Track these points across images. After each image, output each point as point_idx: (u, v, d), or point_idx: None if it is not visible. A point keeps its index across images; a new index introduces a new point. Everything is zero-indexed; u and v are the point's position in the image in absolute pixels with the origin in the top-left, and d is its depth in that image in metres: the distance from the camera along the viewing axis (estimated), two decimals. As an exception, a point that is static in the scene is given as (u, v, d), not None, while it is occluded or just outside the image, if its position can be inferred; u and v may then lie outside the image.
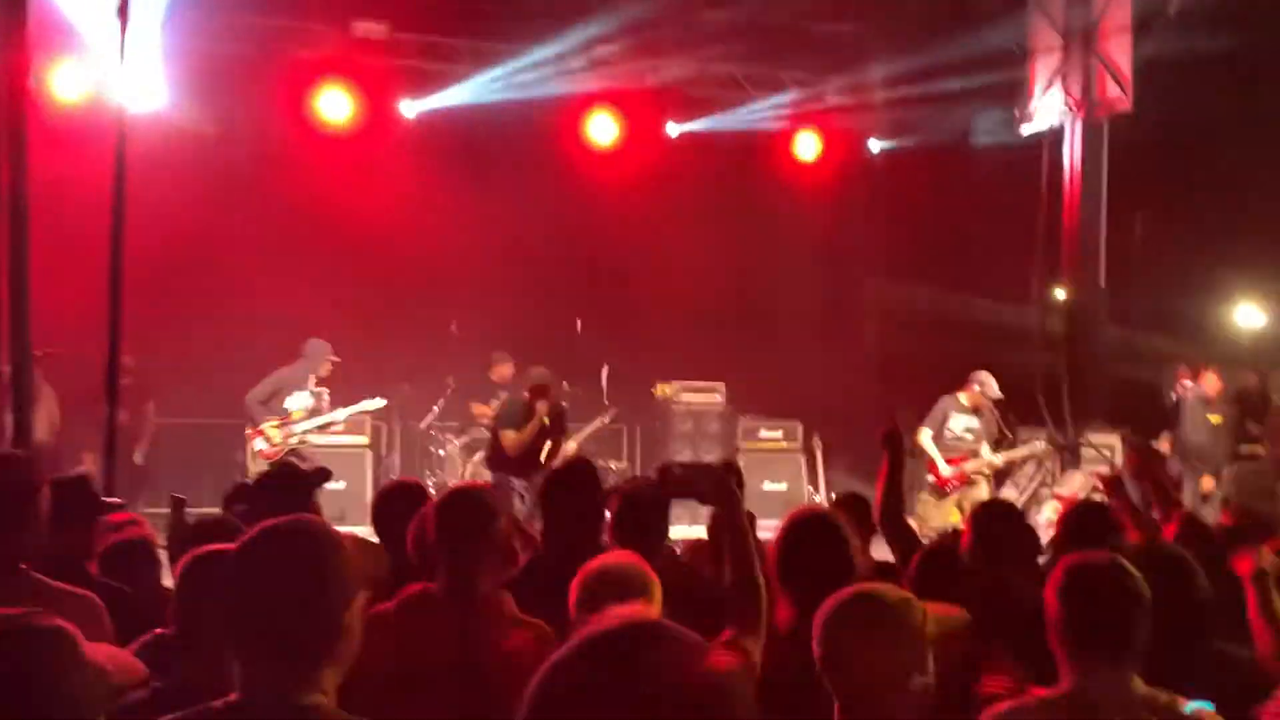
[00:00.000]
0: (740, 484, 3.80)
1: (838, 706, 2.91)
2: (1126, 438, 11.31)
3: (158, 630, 3.66)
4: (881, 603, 2.95)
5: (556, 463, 12.49)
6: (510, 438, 11.25)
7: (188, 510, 5.49)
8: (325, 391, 12.40)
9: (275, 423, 11.99)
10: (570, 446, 12.85)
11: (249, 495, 4.87)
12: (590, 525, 4.70)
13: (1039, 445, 12.91)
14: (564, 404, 12.01)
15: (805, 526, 3.97)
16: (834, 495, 5.83)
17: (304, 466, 6.32)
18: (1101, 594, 3.26)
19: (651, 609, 3.38)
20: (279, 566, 2.49)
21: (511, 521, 4.82)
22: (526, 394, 11.39)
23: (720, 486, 3.67)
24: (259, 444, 11.89)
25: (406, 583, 4.16)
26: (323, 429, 12.42)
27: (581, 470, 5.04)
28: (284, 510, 4.34)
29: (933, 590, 3.89)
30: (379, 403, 12.66)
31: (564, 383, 12.80)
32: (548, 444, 11.42)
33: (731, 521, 3.63)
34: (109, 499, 4.96)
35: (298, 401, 12.07)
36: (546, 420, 11.29)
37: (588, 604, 3.38)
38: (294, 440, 11.95)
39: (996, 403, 12.38)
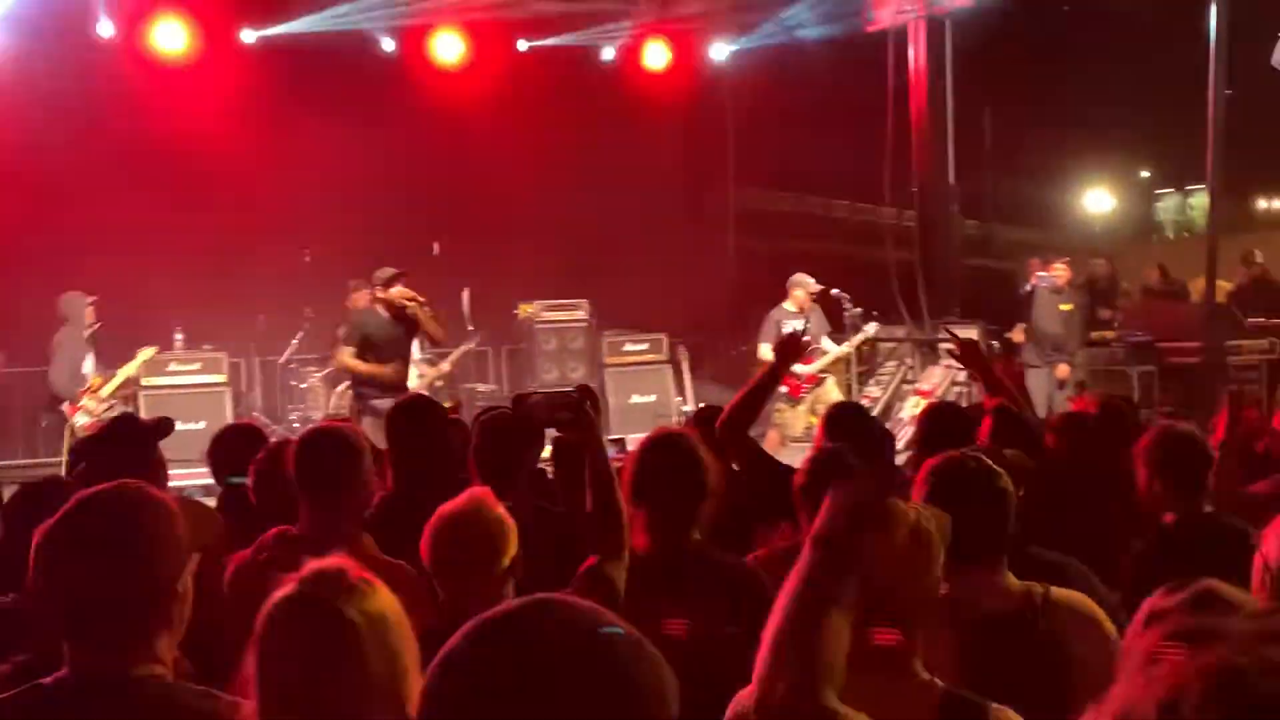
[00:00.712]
0: (596, 408, 3.77)
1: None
2: (944, 326, 11.56)
3: (-3, 599, 3.56)
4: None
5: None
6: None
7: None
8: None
9: (86, 393, 11.56)
10: (444, 368, 12.73)
11: (89, 451, 4.73)
12: (439, 460, 4.62)
13: (870, 328, 13.07)
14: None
15: (658, 448, 3.96)
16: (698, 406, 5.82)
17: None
18: (967, 496, 3.28)
19: (506, 550, 3.35)
20: (98, 536, 2.42)
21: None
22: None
23: (576, 413, 3.66)
24: (80, 419, 11.37)
25: (252, 528, 4.10)
26: (123, 386, 12.02)
27: (423, 404, 4.97)
28: (126, 464, 4.27)
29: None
30: (151, 350, 12.33)
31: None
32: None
33: (589, 448, 3.62)
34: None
35: (90, 367, 11.71)
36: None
37: (433, 557, 3.36)
38: (104, 408, 11.42)
39: (834, 302, 12.58)
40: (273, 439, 5.43)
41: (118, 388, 11.89)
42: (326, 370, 13.83)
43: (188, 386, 12.70)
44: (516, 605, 1.52)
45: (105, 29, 14.05)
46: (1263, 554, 2.90)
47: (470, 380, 14.58)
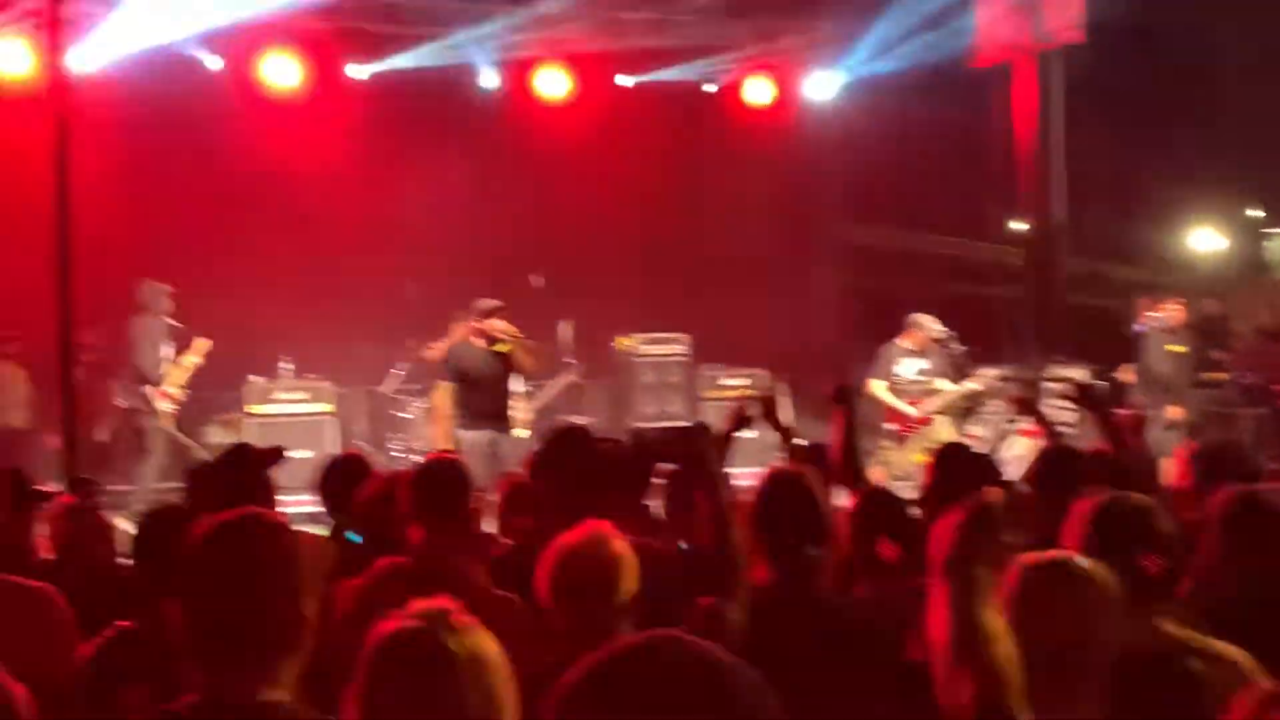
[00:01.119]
0: (714, 446, 3.73)
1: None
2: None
3: (121, 624, 3.58)
4: (1079, 570, 2.88)
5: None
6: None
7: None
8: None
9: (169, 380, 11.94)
10: (544, 400, 12.81)
11: (204, 478, 4.81)
12: (586, 496, 4.51)
13: (991, 373, 12.89)
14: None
15: (779, 486, 3.90)
16: (793, 444, 5.75)
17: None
18: (1120, 537, 3.20)
19: (624, 586, 3.32)
20: (231, 564, 2.43)
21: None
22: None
23: (692, 449, 3.63)
24: (165, 405, 11.89)
25: (360, 558, 4.11)
26: (190, 371, 12.30)
27: (575, 436, 4.87)
28: (239, 491, 4.31)
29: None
30: (206, 344, 12.37)
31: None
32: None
33: (708, 485, 3.58)
34: (43, 488, 4.87)
35: (170, 353, 12.08)
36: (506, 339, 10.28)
37: (552, 590, 3.33)
38: (174, 390, 11.99)
39: (947, 339, 12.37)
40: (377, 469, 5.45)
41: (186, 379, 12.21)
42: (428, 401, 13.94)
43: (293, 415, 12.84)
44: (635, 643, 1.51)
45: (214, 63, 14.29)
46: None
47: (568, 413, 14.58)
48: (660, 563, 4.18)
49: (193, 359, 12.20)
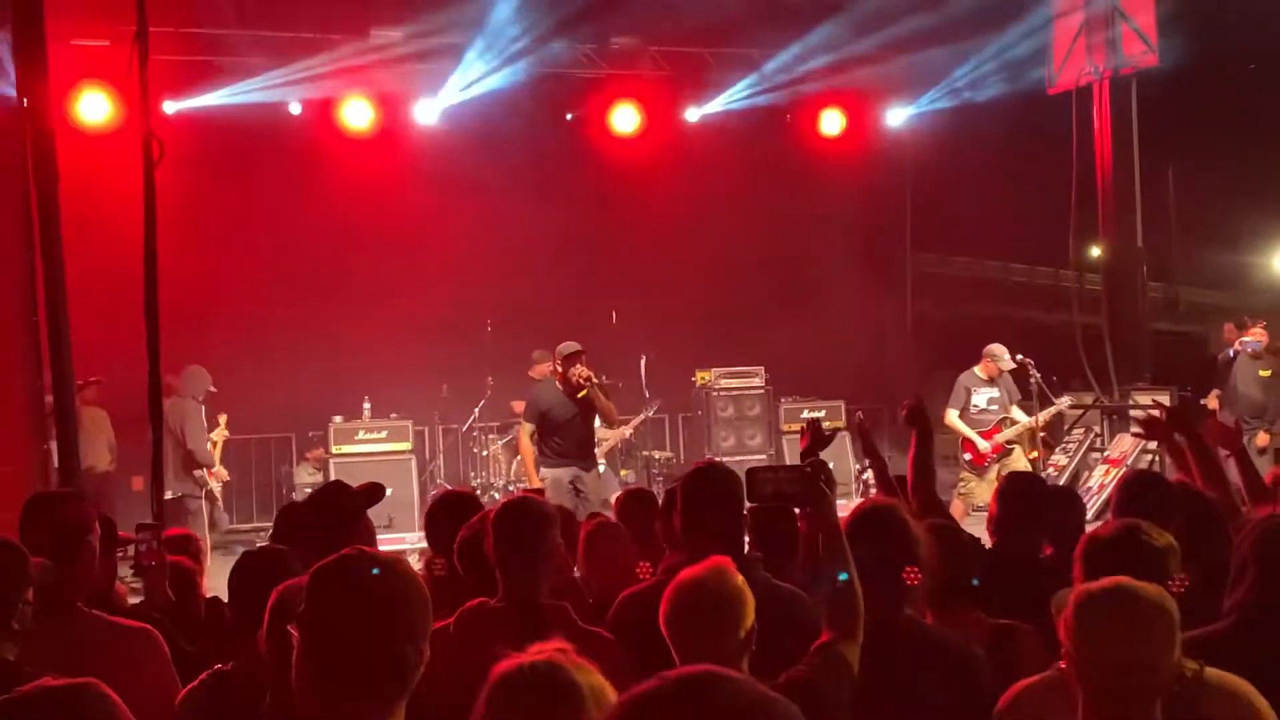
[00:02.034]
0: (830, 484, 3.72)
1: (1083, 701, 2.87)
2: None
3: (218, 667, 3.63)
4: (1139, 597, 2.89)
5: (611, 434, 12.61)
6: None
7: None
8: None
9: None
10: (625, 432, 12.87)
11: (301, 515, 4.85)
12: (728, 534, 4.37)
13: (1065, 401, 12.80)
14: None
15: (868, 521, 3.89)
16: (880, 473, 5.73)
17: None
18: (1127, 569, 3.17)
19: (744, 622, 3.32)
20: (353, 606, 2.47)
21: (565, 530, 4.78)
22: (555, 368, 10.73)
23: (810, 489, 3.62)
24: (216, 485, 12.29)
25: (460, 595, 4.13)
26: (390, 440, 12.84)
27: (727, 477, 4.81)
28: (335, 529, 4.36)
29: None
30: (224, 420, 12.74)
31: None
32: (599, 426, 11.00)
33: (825, 525, 3.57)
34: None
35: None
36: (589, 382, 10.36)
37: (673, 623, 3.34)
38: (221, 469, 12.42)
39: (1020, 369, 12.27)
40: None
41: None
42: (507, 438, 14.02)
43: (374, 454, 12.94)
44: (679, 677, 1.55)
45: (295, 108, 14.51)
46: None
47: (648, 448, 14.61)
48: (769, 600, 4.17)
49: (224, 434, 12.60)
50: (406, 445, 13.49)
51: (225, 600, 4.08)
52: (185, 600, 4.99)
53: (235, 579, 3.89)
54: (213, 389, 12.21)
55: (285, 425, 14.78)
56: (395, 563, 2.56)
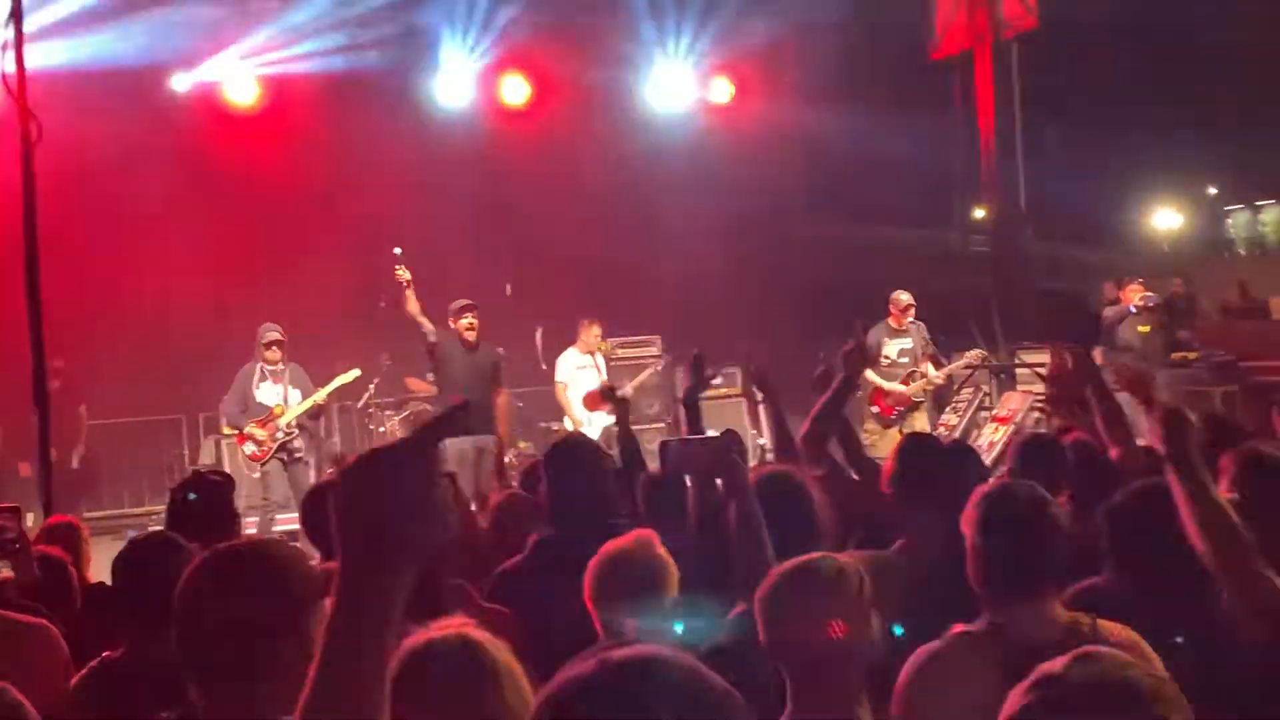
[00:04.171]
0: (743, 455, 3.76)
1: (789, 682, 2.89)
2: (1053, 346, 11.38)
3: (107, 654, 3.60)
4: (817, 574, 2.91)
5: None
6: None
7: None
8: (283, 369, 11.52)
9: (256, 423, 11.12)
10: (628, 390, 12.74)
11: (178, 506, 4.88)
12: (600, 503, 4.48)
13: (972, 352, 13.06)
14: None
15: (769, 486, 3.94)
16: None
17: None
18: (1015, 526, 3.25)
19: (669, 593, 3.35)
20: (236, 588, 2.45)
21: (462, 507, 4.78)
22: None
23: (722, 459, 3.65)
24: (249, 448, 11.16)
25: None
26: (309, 411, 11.59)
27: (586, 446, 4.84)
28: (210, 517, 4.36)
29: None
30: (355, 373, 12.09)
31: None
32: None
33: (737, 494, 3.60)
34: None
35: (271, 395, 11.30)
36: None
37: (601, 595, 3.35)
38: (280, 435, 11.18)
39: (918, 316, 12.46)
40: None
41: (304, 413, 11.42)
42: (404, 413, 13.94)
43: (269, 434, 12.77)
44: (618, 660, 1.53)
45: (181, 83, 14.25)
46: None
47: (545, 419, 14.60)
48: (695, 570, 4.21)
49: (315, 398, 11.49)
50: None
51: (109, 585, 4.04)
52: (58, 586, 4.90)
53: (122, 566, 3.84)
54: (267, 351, 11.29)
55: (176, 407, 14.54)
56: (274, 544, 2.56)
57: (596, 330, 12.63)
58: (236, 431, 11.29)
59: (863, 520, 4.70)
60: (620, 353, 14.88)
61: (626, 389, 12.74)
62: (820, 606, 2.83)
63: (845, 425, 5.70)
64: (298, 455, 11.18)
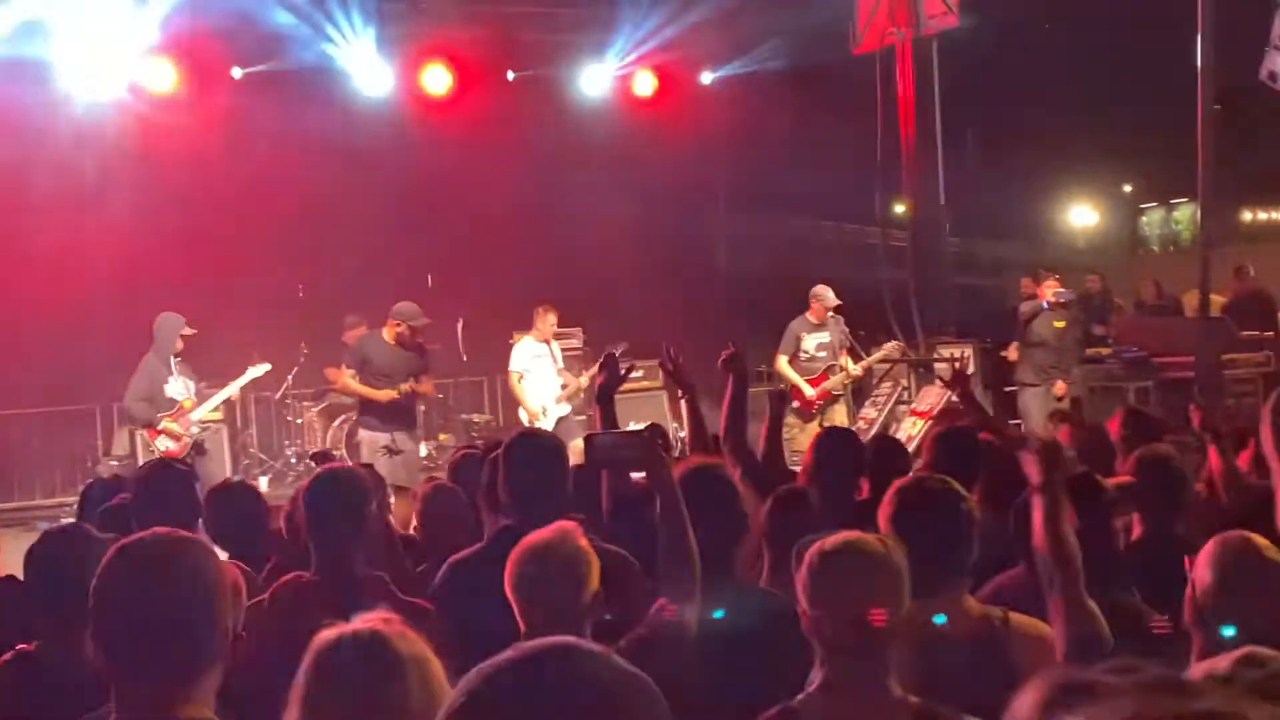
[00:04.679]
0: (667, 448, 3.78)
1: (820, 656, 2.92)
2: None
3: (20, 647, 3.55)
4: (866, 553, 2.93)
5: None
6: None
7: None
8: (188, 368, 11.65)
9: (168, 417, 10.97)
10: (582, 382, 12.50)
11: (130, 498, 4.83)
12: (560, 494, 4.43)
13: (890, 345, 13.21)
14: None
15: (694, 479, 3.94)
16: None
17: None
18: (927, 519, 3.30)
19: (589, 585, 3.35)
20: (146, 581, 2.43)
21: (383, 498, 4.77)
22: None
23: (647, 453, 3.66)
24: (164, 443, 10.89)
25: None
26: (218, 408, 11.72)
27: (546, 437, 4.83)
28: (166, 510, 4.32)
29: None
30: (265, 367, 11.99)
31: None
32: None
33: (661, 487, 3.61)
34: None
35: (178, 389, 11.13)
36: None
37: (521, 586, 3.35)
38: (195, 429, 11.14)
39: (839, 311, 12.56)
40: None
41: (215, 409, 11.53)
42: (323, 404, 13.83)
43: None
44: (533, 650, 1.53)
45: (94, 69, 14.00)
46: (1192, 580, 3.03)
47: (466, 410, 14.56)
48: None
49: (227, 392, 11.62)
50: (217, 415, 13.17)
51: (19, 579, 3.99)
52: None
53: (34, 559, 3.78)
54: (178, 344, 11.06)
55: (90, 396, 14.30)
56: (181, 539, 2.54)
57: (552, 318, 12.51)
58: (149, 426, 11.08)
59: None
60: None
61: (583, 380, 12.70)
62: (869, 585, 2.86)
63: (776, 430, 5.78)
64: (205, 449, 11.08)
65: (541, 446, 4.53)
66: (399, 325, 10.59)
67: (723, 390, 5.53)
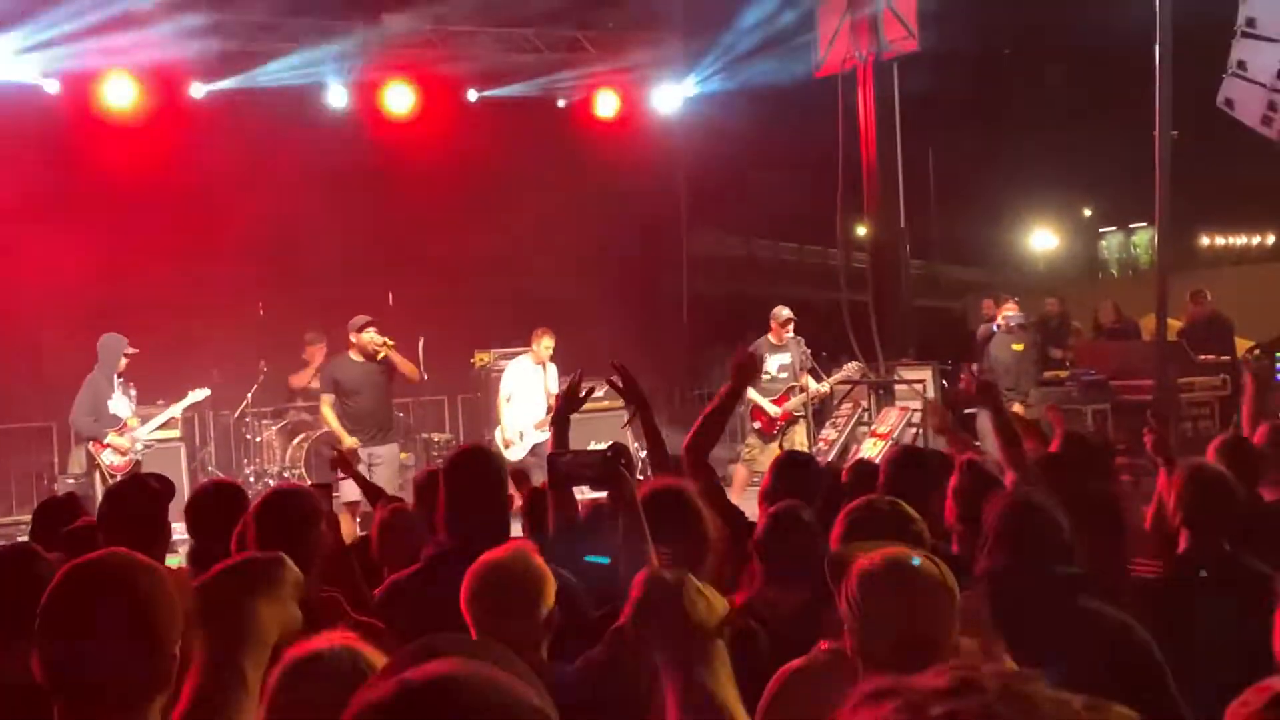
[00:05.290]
0: (630, 467, 3.76)
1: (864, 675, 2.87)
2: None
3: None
4: (917, 570, 2.90)
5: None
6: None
7: None
8: (130, 386, 11.80)
9: (114, 432, 11.22)
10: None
11: (100, 514, 4.77)
12: (495, 515, 4.41)
13: (852, 365, 13.26)
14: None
15: (658, 500, 3.93)
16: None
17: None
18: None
19: (545, 603, 3.33)
20: (93, 606, 2.40)
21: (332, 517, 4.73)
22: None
23: (610, 472, 3.65)
24: (109, 457, 11.14)
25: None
26: (162, 427, 11.84)
27: (486, 456, 4.81)
28: (136, 528, 4.28)
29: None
30: (204, 393, 12.16)
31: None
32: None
33: (623, 506, 3.60)
34: None
35: (121, 407, 11.38)
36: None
37: (476, 605, 3.32)
38: (139, 446, 11.36)
39: (799, 332, 12.59)
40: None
41: (159, 427, 11.71)
42: (282, 423, 13.76)
43: (144, 441, 12.50)
44: (440, 673, 1.50)
45: (52, 86, 13.93)
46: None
47: (427, 430, 14.50)
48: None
49: (170, 412, 11.82)
50: (175, 433, 13.09)
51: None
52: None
53: None
54: (121, 363, 11.33)
55: (46, 413, 14.17)
56: (136, 560, 2.51)
57: (548, 341, 12.52)
58: (95, 440, 11.24)
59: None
60: (503, 364, 14.84)
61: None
62: (917, 602, 2.82)
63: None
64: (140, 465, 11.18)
65: (477, 467, 4.51)
66: (354, 337, 10.76)
67: (687, 409, 5.53)
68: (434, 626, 3.56)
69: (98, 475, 11.23)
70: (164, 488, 4.92)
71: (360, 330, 10.74)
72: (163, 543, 4.79)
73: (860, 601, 2.88)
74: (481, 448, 4.76)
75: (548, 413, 12.23)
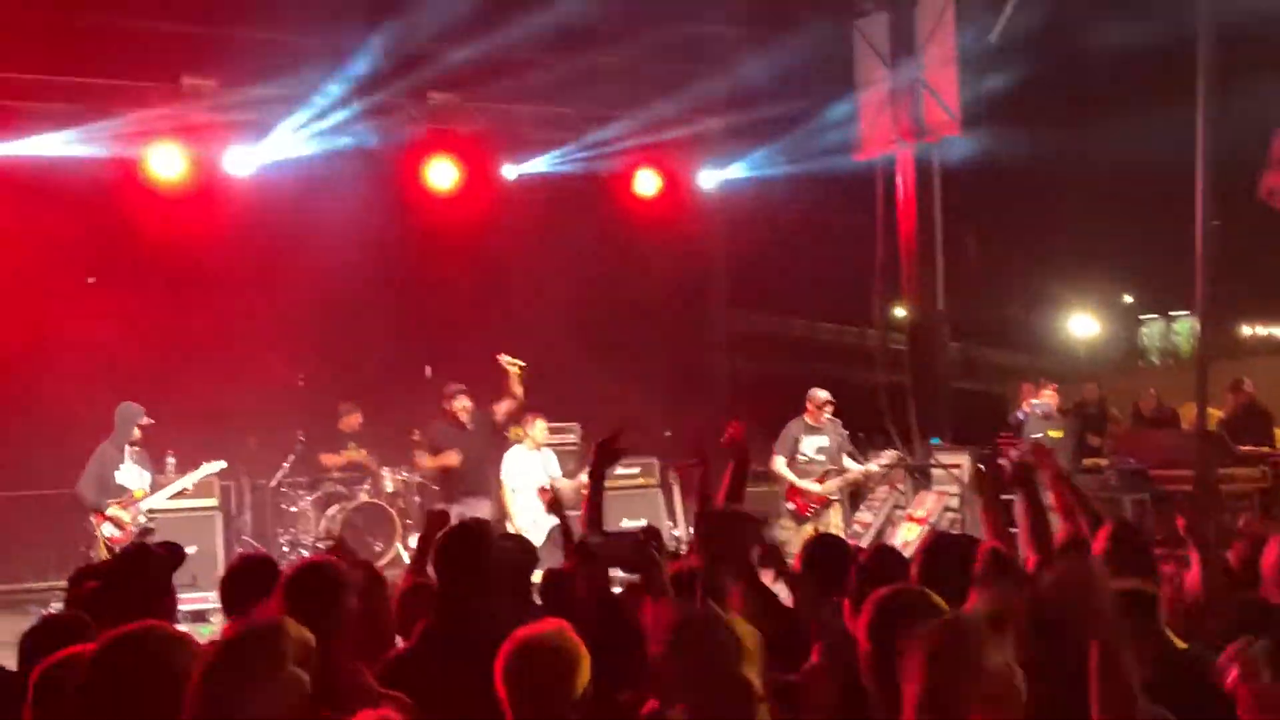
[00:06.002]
0: (660, 549, 3.77)
1: None
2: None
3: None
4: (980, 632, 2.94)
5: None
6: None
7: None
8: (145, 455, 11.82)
9: (117, 504, 11.31)
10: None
11: (104, 581, 4.74)
12: (487, 593, 4.40)
13: (890, 453, 13.18)
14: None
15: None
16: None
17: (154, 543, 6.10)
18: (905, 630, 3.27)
19: (580, 681, 3.33)
20: (131, 677, 2.42)
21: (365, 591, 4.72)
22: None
23: (641, 554, 3.66)
24: (108, 530, 11.18)
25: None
26: (195, 495, 12.08)
27: (477, 534, 4.82)
28: (141, 595, 4.27)
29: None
30: (219, 465, 12.22)
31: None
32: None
33: (654, 588, 3.61)
34: None
35: (131, 478, 11.44)
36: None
37: (512, 681, 3.32)
38: (142, 518, 11.36)
39: (836, 414, 12.54)
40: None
41: (169, 498, 11.80)
42: (317, 493, 13.79)
43: (179, 510, 12.55)
44: None
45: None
46: None
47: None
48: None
49: (182, 483, 11.93)
50: (213, 501, 13.16)
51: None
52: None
53: (26, 648, 3.75)
54: (136, 433, 11.55)
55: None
56: (173, 635, 2.52)
57: (541, 424, 12.65)
58: (97, 511, 11.28)
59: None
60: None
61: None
62: (978, 666, 2.85)
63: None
64: (152, 532, 11.17)
65: (467, 546, 4.52)
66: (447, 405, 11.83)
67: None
68: (425, 702, 3.57)
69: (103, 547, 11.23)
70: (170, 554, 4.91)
71: (453, 397, 11.97)
72: (169, 607, 4.77)
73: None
74: (474, 524, 4.75)
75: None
